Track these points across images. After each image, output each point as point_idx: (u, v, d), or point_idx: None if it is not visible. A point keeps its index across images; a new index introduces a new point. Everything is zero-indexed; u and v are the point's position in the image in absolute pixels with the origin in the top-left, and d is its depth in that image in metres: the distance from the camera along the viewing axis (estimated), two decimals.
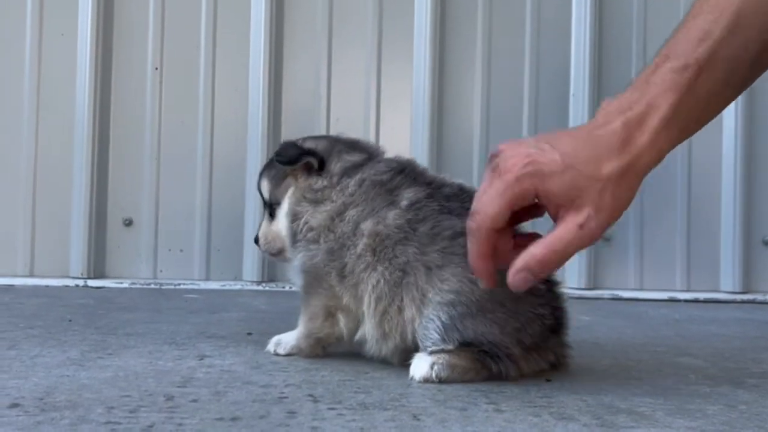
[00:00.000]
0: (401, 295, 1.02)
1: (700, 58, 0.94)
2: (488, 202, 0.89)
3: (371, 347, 1.07)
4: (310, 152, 1.15)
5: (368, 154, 1.16)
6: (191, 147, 2.31)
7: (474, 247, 0.92)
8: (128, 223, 2.30)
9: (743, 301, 2.26)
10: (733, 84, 0.99)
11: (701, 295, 2.27)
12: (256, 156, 2.25)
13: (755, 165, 2.33)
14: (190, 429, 0.72)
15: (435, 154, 2.30)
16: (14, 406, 0.79)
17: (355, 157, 1.15)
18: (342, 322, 1.09)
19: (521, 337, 0.99)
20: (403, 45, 2.32)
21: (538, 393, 0.92)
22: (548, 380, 1.00)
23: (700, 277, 2.32)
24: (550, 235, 0.90)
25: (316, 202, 1.12)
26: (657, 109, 0.93)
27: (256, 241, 1.21)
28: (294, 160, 1.15)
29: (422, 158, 2.22)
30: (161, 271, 2.29)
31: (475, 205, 0.91)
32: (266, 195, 1.19)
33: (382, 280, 1.04)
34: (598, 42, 2.34)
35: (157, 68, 2.32)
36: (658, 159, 0.94)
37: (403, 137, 2.29)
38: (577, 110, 2.31)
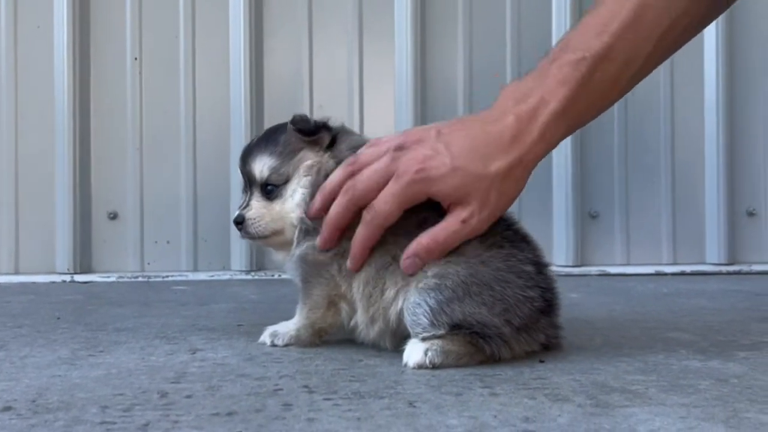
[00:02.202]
0: (384, 278, 1.03)
1: (595, 52, 0.99)
2: (383, 201, 0.99)
3: (361, 332, 1.08)
4: (325, 126, 1.12)
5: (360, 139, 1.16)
6: (174, 137, 2.30)
7: (363, 237, 1.01)
8: (113, 216, 2.28)
9: (729, 273, 2.28)
10: (628, 77, 1.04)
11: (688, 268, 2.29)
12: (240, 144, 2.22)
13: (737, 137, 2.35)
14: (186, 426, 0.72)
15: None
16: (6, 409, 0.78)
17: (357, 139, 1.14)
18: (344, 311, 1.08)
19: (510, 318, 0.99)
20: (384, 26, 2.31)
21: (532, 375, 0.93)
22: (542, 361, 1.00)
23: (686, 250, 2.34)
24: (437, 226, 0.99)
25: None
26: (548, 103, 0.99)
27: (240, 222, 1.12)
28: (314, 130, 1.11)
29: None
30: (149, 263, 2.28)
31: (373, 199, 1.00)
32: (264, 173, 1.10)
33: (372, 266, 1.04)
34: (578, 13, 2.33)
35: (136, 58, 2.30)
36: (547, 151, 1.02)
37: (387, 120, 2.28)
38: None
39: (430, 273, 0.99)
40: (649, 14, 1.00)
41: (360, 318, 1.07)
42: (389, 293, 1.02)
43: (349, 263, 1.04)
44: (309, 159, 1.11)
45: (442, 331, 0.98)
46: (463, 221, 0.99)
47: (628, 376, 0.92)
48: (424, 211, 1.02)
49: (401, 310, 1.01)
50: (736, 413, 0.75)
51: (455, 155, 0.98)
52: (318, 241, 1.05)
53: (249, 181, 1.14)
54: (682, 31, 1.05)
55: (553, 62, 1.01)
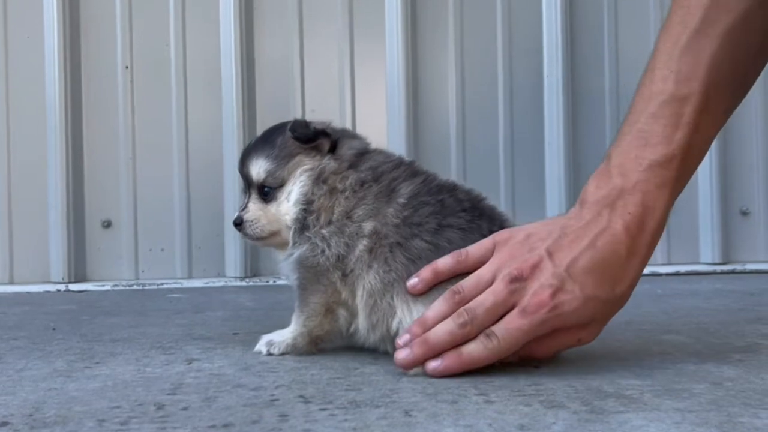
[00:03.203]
0: (392, 293, 1.03)
1: (680, 147, 0.98)
2: (509, 336, 0.94)
3: (361, 336, 1.09)
4: (324, 132, 1.12)
5: (362, 141, 1.17)
6: (166, 145, 2.29)
7: (477, 359, 0.95)
8: (107, 224, 2.28)
9: (723, 272, 2.29)
10: (711, 140, 1.05)
11: (682, 268, 2.30)
12: (232, 150, 2.23)
13: (730, 136, 2.35)
14: None
15: (412, 140, 2.29)
16: (3, 425, 0.78)
17: (359, 144, 1.14)
18: (342, 317, 1.09)
19: None
20: (374, 29, 2.31)
21: (527, 381, 0.93)
22: (536, 366, 1.00)
23: (680, 250, 2.34)
24: (548, 341, 0.97)
25: (328, 192, 1.10)
26: (653, 211, 0.98)
27: (240, 224, 1.14)
28: (311, 137, 1.11)
29: (399, 144, 2.22)
30: (143, 271, 2.28)
31: (498, 328, 0.94)
32: (260, 175, 1.12)
33: (377, 278, 1.04)
34: (570, 19, 2.34)
35: (127, 67, 2.29)
36: (653, 251, 1.00)
37: (379, 123, 2.28)
38: (552, 90, 2.31)
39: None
40: (720, 91, 0.99)
41: (361, 324, 1.08)
42: (399, 311, 1.03)
43: (434, 368, 0.95)
44: (305, 164, 1.12)
45: None
46: (580, 340, 0.99)
47: (623, 380, 0.92)
48: (425, 226, 1.04)
49: (406, 324, 1.02)
50: (730, 418, 0.76)
51: (584, 284, 0.94)
52: (401, 356, 0.96)
53: (247, 183, 1.16)
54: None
55: (637, 161, 0.98)
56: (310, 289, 1.08)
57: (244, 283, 2.23)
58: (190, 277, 2.28)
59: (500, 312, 0.95)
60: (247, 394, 0.89)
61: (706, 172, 2.32)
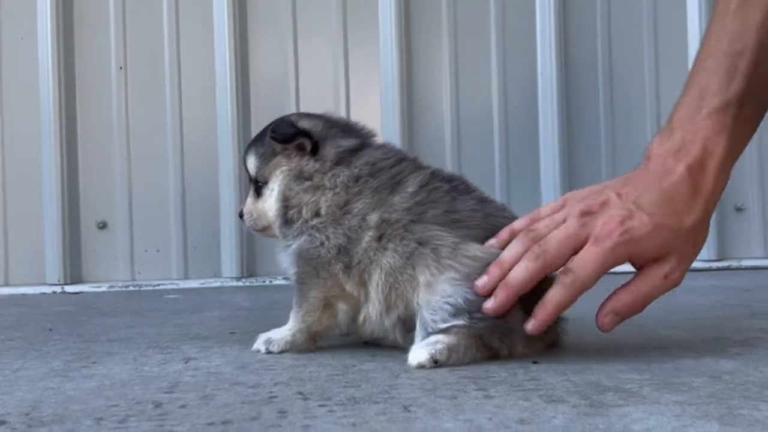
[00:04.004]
0: (413, 263, 1.03)
1: (736, 95, 1.02)
2: (583, 266, 0.97)
3: (372, 325, 1.08)
4: (305, 133, 1.13)
5: (362, 138, 1.16)
6: (161, 145, 2.29)
7: (560, 300, 0.98)
8: (102, 225, 2.27)
9: (719, 269, 2.30)
10: (765, 106, 1.08)
11: None
12: (227, 150, 2.24)
13: None
14: None
15: (407, 141, 2.29)
16: (0, 423, 0.78)
17: (349, 143, 1.14)
18: (342, 311, 1.08)
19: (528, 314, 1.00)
20: (368, 30, 2.31)
21: (526, 376, 0.93)
22: (535, 362, 1.00)
23: None
24: (636, 283, 1.00)
25: (310, 188, 1.11)
26: (713, 153, 1.02)
27: (241, 216, 1.19)
28: (289, 138, 1.12)
29: (394, 142, 2.22)
30: (139, 272, 2.27)
31: (572, 262, 0.98)
32: (252, 171, 1.17)
33: (395, 256, 1.04)
34: (563, 19, 2.34)
35: (121, 67, 2.29)
36: (721, 195, 1.04)
37: (373, 124, 2.25)
38: (546, 89, 2.31)
39: (468, 260, 1.01)
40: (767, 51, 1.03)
41: (374, 310, 1.07)
42: (421, 278, 1.02)
43: (532, 325, 0.98)
44: (283, 165, 1.14)
45: (462, 321, 0.99)
46: (665, 276, 1.00)
47: (622, 375, 0.92)
48: (442, 202, 1.05)
49: (427, 300, 1.01)
50: (730, 410, 0.76)
51: (652, 214, 0.98)
52: (489, 305, 0.98)
53: (248, 177, 1.20)
54: None
55: (697, 112, 1.03)
56: (309, 283, 1.08)
57: (240, 284, 2.23)
58: (186, 277, 2.27)
59: (572, 245, 0.98)
60: (246, 392, 0.89)
61: None
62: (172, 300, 1.91)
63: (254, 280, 2.24)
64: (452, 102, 2.35)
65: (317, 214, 1.09)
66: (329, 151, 1.12)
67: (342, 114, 2.29)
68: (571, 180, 2.30)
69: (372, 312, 1.07)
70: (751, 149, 2.37)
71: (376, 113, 2.29)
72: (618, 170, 2.33)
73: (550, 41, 2.31)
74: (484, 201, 1.10)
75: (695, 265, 2.39)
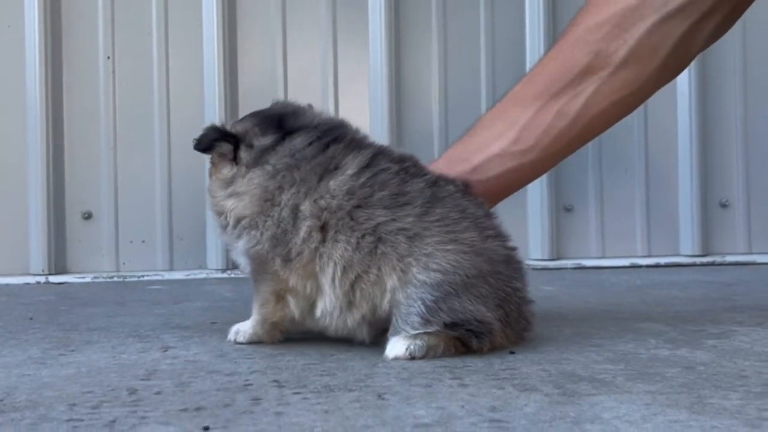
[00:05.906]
0: (378, 264, 1.00)
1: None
2: None
3: (333, 321, 1.04)
4: (227, 138, 1.11)
5: (283, 132, 1.10)
6: (148, 136, 2.28)
7: None
8: (87, 216, 2.26)
9: (703, 264, 2.30)
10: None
11: (662, 260, 2.31)
12: None
13: (710, 129, 2.37)
14: (153, 421, 0.72)
15: (395, 136, 2.29)
16: None
17: (265, 141, 1.10)
18: (292, 303, 1.06)
19: (501, 312, 1.00)
20: (358, 25, 2.30)
21: (502, 365, 0.93)
22: (512, 352, 1.01)
23: (661, 242, 2.35)
24: None
25: (232, 195, 1.09)
26: None
27: None
28: (207, 147, 1.12)
29: (382, 140, 2.19)
30: (124, 263, 2.26)
31: None
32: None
33: (349, 249, 1.01)
34: (552, 13, 2.34)
35: (109, 57, 2.28)
36: None
37: (362, 119, 2.27)
38: None
39: (433, 265, 0.98)
40: None
41: (330, 305, 1.03)
42: (390, 282, 0.99)
43: None
44: (213, 173, 1.15)
45: (433, 329, 0.97)
46: None
47: (597, 365, 0.93)
48: (391, 183, 1.03)
49: (396, 301, 0.99)
50: (700, 399, 0.76)
51: None
52: None
53: None
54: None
55: None
56: (260, 278, 1.08)
57: (225, 275, 2.22)
58: (171, 269, 2.27)
59: None
60: (221, 380, 0.89)
61: (686, 164, 2.33)
62: (156, 291, 1.91)
63: (239, 272, 2.23)
64: (441, 95, 2.34)
65: (243, 217, 1.07)
66: (243, 154, 1.10)
67: (331, 108, 2.31)
68: (558, 175, 2.30)
69: (329, 306, 1.04)
70: (736, 146, 2.38)
71: (365, 106, 2.29)
72: (603, 166, 2.34)
73: (539, 35, 2.31)
74: (436, 184, 1.06)
75: (678, 260, 2.40)
